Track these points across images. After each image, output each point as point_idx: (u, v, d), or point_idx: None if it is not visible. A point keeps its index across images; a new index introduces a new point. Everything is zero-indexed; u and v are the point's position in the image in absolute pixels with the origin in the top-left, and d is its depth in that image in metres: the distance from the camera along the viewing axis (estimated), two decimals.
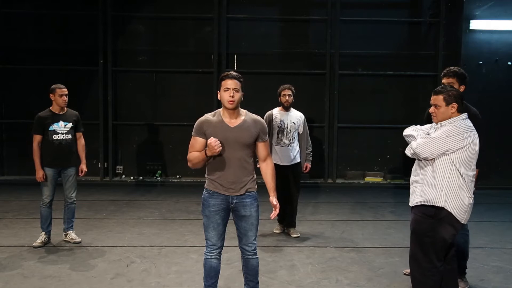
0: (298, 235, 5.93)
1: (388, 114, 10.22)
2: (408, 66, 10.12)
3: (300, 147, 5.94)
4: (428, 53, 10.16)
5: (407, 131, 3.65)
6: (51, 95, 5.37)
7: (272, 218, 3.54)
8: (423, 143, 3.38)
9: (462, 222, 3.45)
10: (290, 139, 5.83)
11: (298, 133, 5.93)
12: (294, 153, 5.86)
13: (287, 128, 5.83)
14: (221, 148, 3.31)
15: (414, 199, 3.54)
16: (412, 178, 3.62)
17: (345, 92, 10.11)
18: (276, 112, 5.91)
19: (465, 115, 3.47)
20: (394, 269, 4.82)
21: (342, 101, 10.09)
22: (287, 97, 5.83)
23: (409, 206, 3.63)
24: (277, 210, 3.52)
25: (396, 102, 10.29)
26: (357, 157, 10.27)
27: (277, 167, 5.37)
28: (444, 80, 4.24)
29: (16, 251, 5.21)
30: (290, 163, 5.84)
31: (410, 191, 3.64)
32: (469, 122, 3.45)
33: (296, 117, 5.92)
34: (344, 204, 8.06)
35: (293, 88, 5.89)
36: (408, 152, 3.50)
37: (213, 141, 3.27)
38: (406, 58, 10.19)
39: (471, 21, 9.46)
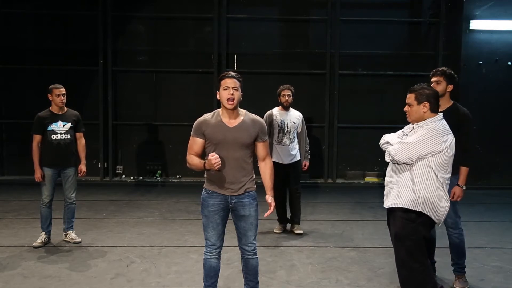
0: (302, 232, 6.01)
1: (388, 114, 10.21)
2: (408, 66, 10.11)
3: (299, 145, 6.04)
4: (428, 53, 10.16)
5: (381, 142, 3.60)
6: (49, 95, 5.37)
7: (265, 216, 3.54)
8: (401, 148, 3.30)
9: (439, 225, 3.46)
10: (291, 138, 5.92)
11: (297, 132, 6.01)
12: (294, 152, 5.97)
13: (287, 128, 5.91)
14: (220, 165, 3.27)
15: (389, 200, 3.48)
16: (387, 179, 3.56)
17: (345, 92, 10.11)
18: (276, 111, 5.99)
19: (440, 115, 3.41)
20: (394, 269, 4.78)
21: (342, 101, 10.10)
22: (286, 97, 5.90)
23: (385, 207, 3.58)
24: (272, 208, 3.52)
25: (396, 102, 10.22)
26: (357, 157, 10.27)
27: (278, 165, 5.66)
28: (432, 79, 4.23)
29: (16, 251, 5.21)
30: (291, 162, 5.95)
31: (385, 192, 3.57)
32: (445, 124, 3.38)
33: (295, 116, 6.01)
34: (344, 204, 8.06)
35: (292, 88, 5.96)
36: (387, 158, 3.44)
37: (213, 158, 3.24)
38: (406, 58, 10.19)
39: (471, 21, 9.47)
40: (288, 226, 6.23)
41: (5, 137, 10.18)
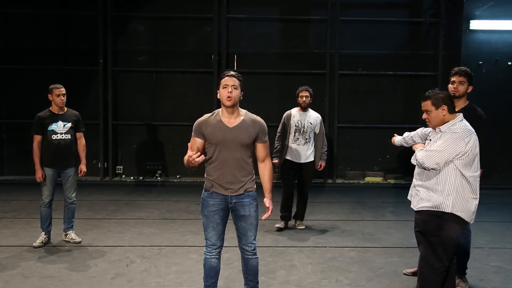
0: (303, 227, 6.29)
1: (388, 114, 10.22)
2: (408, 66, 10.11)
3: (315, 146, 6.22)
4: (428, 53, 10.16)
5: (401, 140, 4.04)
6: (49, 95, 5.37)
7: (263, 219, 3.56)
8: (428, 156, 3.40)
9: (470, 222, 3.52)
10: (306, 139, 6.10)
11: (315, 133, 6.17)
12: (308, 152, 6.14)
13: (304, 128, 6.09)
14: (196, 161, 3.20)
15: (419, 203, 3.56)
16: (414, 181, 3.66)
17: (345, 92, 10.11)
18: (295, 112, 6.19)
19: (461, 116, 3.49)
20: (394, 269, 4.82)
21: (342, 101, 10.10)
22: (304, 98, 6.10)
23: (412, 208, 3.65)
24: (270, 212, 3.54)
25: (396, 102, 10.29)
26: (357, 157, 10.26)
27: (292, 163, 6.09)
28: (455, 78, 4.26)
29: (16, 251, 5.21)
30: (304, 161, 6.14)
31: (412, 193, 3.65)
32: (466, 124, 3.46)
33: (313, 117, 6.18)
34: (344, 204, 8.06)
35: (310, 89, 6.17)
36: (414, 161, 3.54)
37: (193, 156, 3.19)
38: (406, 58, 10.19)
39: (471, 21, 9.47)
40: (290, 223, 6.39)
41: (5, 137, 10.17)
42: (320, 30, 10.11)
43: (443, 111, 3.44)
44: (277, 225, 6.22)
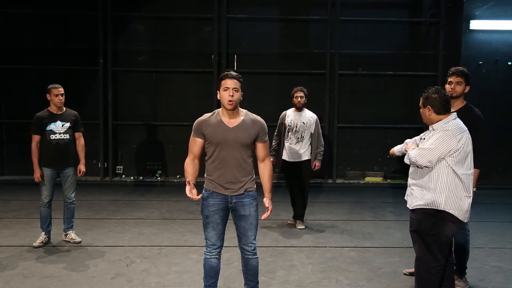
0: (303, 227, 6.31)
1: (388, 114, 10.21)
2: (408, 66, 10.12)
3: (311, 145, 6.26)
4: (428, 53, 10.16)
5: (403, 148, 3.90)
6: (48, 95, 5.37)
7: (262, 219, 3.56)
8: (420, 153, 3.42)
9: (464, 221, 3.51)
10: (299, 138, 6.18)
11: (311, 133, 6.22)
12: (301, 151, 6.21)
13: (296, 127, 6.18)
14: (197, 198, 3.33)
15: (413, 201, 3.57)
16: (409, 180, 3.67)
17: (345, 92, 10.11)
18: (290, 112, 6.31)
19: (454, 115, 3.50)
20: (394, 269, 4.82)
21: (342, 101, 10.10)
22: (299, 98, 6.20)
23: (408, 208, 3.66)
24: (269, 212, 3.54)
25: (396, 102, 10.28)
26: (357, 157, 10.26)
27: (286, 162, 6.26)
28: (452, 79, 4.25)
29: (16, 251, 5.21)
30: (297, 160, 6.21)
31: (408, 192, 3.66)
32: (459, 122, 3.47)
33: (307, 117, 6.25)
34: (344, 204, 8.06)
35: (305, 89, 6.26)
36: (407, 160, 3.56)
37: (193, 197, 3.32)
38: (406, 58, 10.19)
39: (471, 21, 9.46)
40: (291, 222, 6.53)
41: (5, 137, 10.17)
42: (320, 30, 10.12)
43: (428, 111, 3.49)
44: (289, 222, 6.48)
